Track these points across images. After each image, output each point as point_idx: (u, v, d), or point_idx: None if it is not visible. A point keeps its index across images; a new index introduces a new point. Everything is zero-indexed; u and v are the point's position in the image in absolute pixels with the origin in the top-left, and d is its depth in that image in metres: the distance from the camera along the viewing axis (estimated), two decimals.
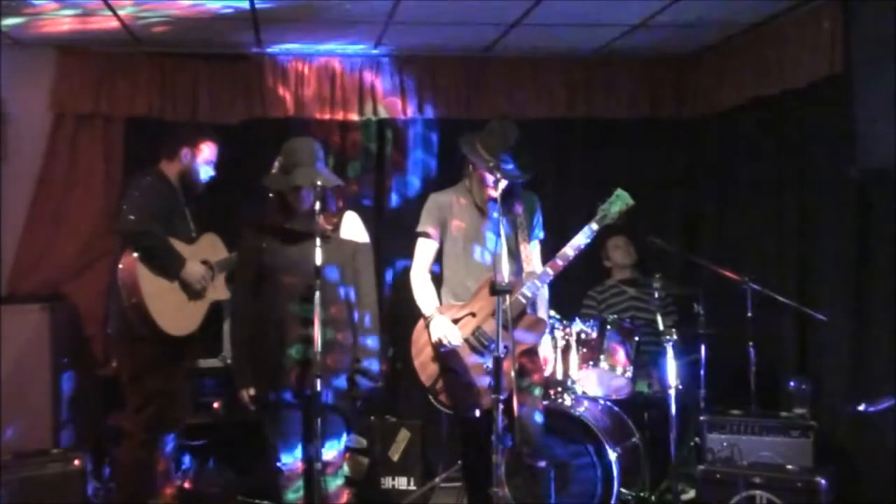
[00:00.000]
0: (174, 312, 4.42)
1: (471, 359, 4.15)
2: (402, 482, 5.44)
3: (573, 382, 5.07)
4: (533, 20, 5.22)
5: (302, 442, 3.96)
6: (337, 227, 4.04)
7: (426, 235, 4.29)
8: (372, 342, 4.04)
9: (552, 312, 4.79)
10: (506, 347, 3.71)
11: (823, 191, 5.09)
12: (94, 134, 5.69)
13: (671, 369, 4.85)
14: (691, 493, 5.00)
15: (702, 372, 5.10)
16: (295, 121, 5.88)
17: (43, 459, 4.69)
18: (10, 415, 4.98)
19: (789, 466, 4.46)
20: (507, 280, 3.82)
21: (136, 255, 4.34)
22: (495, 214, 3.98)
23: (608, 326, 5.10)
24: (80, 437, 5.33)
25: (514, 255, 4.17)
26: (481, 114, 5.71)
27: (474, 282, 4.18)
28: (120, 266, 4.39)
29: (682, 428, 4.94)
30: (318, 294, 3.74)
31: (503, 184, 3.99)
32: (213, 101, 5.78)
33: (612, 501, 4.71)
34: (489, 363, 3.90)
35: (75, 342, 5.49)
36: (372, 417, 5.52)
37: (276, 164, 4.01)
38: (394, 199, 6.11)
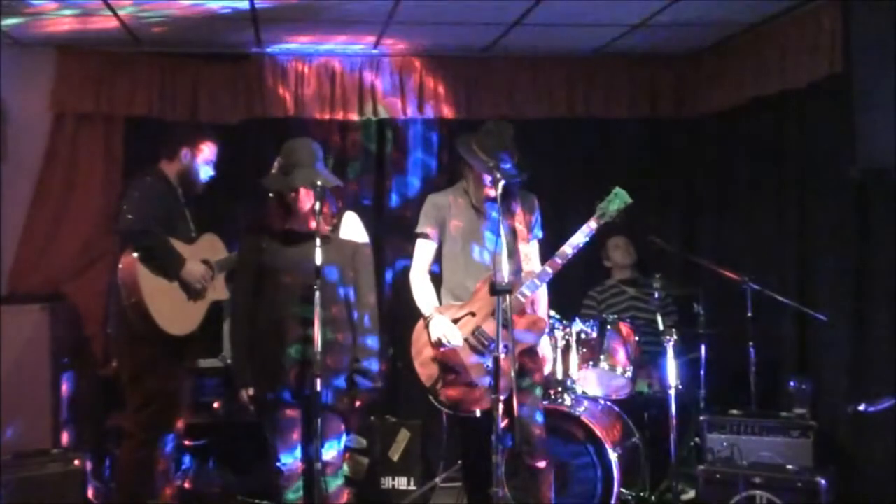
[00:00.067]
0: (174, 312, 4.41)
1: (471, 359, 4.15)
2: (402, 482, 5.44)
3: (573, 382, 5.06)
4: (533, 20, 5.22)
5: (302, 442, 3.97)
6: (336, 228, 4.05)
7: (425, 236, 4.30)
8: (371, 342, 4.04)
9: (552, 312, 4.79)
10: (506, 347, 3.71)
11: (823, 191, 5.09)
12: (94, 134, 5.68)
13: (671, 369, 4.84)
14: (691, 493, 5.00)
15: (702, 372, 5.12)
16: (295, 121, 5.86)
17: (43, 459, 4.69)
18: (10, 415, 4.97)
19: (789, 466, 4.46)
20: (506, 280, 3.83)
21: (135, 254, 4.34)
22: (494, 214, 3.99)
23: (608, 326, 5.11)
24: (80, 437, 5.32)
25: (513, 255, 4.17)
26: (481, 114, 5.69)
27: (473, 282, 4.18)
28: (120, 266, 4.39)
29: (682, 428, 4.93)
30: (317, 294, 3.75)
31: (502, 183, 3.99)
32: (212, 101, 5.76)
33: (612, 501, 4.70)
34: (489, 363, 3.91)
35: (75, 342, 5.48)
36: (372, 417, 5.52)
37: (276, 164, 4.02)
38: (394, 199, 6.11)
